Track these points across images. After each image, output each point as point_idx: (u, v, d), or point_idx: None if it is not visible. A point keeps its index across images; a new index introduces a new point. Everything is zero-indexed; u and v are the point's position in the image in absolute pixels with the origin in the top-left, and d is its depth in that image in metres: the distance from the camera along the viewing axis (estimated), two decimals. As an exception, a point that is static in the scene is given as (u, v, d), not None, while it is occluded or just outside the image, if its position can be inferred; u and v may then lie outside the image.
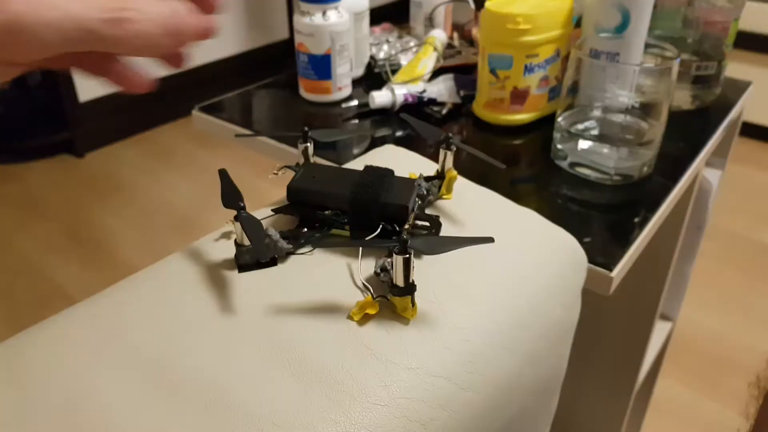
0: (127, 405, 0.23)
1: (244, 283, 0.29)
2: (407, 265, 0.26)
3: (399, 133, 0.58)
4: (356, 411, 0.24)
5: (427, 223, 0.33)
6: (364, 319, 0.27)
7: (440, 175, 0.36)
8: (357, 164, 0.40)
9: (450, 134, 0.35)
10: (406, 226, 0.31)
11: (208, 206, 1.81)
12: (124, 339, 0.26)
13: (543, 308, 0.32)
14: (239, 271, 0.30)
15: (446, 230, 0.33)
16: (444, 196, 0.36)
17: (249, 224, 0.28)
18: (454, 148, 0.35)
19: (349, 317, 0.27)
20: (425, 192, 0.34)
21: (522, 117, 0.58)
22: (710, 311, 1.42)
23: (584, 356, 0.74)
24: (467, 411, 0.27)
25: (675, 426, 1.17)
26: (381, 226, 0.31)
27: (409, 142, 0.57)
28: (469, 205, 0.36)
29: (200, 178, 1.97)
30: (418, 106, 0.62)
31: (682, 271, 0.84)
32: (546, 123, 0.58)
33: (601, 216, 0.47)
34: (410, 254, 0.26)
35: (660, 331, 0.92)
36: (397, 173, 0.33)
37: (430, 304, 0.28)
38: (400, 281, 0.27)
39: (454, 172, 0.36)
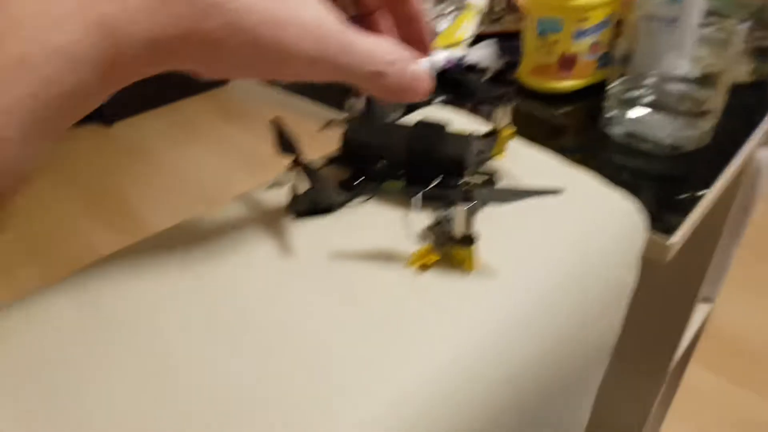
0: (196, 340, 0.23)
1: (300, 230, 0.29)
2: (469, 215, 0.25)
3: (438, 99, 0.57)
4: (418, 360, 0.23)
5: (479, 182, 0.32)
6: (423, 268, 0.27)
7: (494, 133, 0.34)
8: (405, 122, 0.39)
9: (509, 89, 0.33)
10: (463, 180, 0.30)
11: (233, 180, 1.82)
12: (188, 274, 0.26)
13: (600, 271, 0.31)
14: (295, 218, 0.29)
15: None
16: (497, 156, 0.35)
17: (309, 169, 0.28)
18: (512, 104, 0.34)
19: (408, 266, 0.27)
20: (479, 149, 0.33)
21: (570, 84, 0.56)
22: (745, 299, 1.38)
23: (620, 335, 0.73)
24: (523, 368, 0.26)
25: (703, 412, 1.16)
26: (440, 178, 0.30)
27: (453, 107, 0.55)
28: (523, 164, 0.35)
29: (225, 152, 1.99)
30: (458, 72, 0.60)
31: (725, 253, 0.81)
32: (594, 91, 0.56)
33: (655, 186, 0.45)
34: (474, 204, 0.25)
35: (698, 313, 0.90)
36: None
37: (489, 258, 0.28)
38: (460, 232, 0.26)
39: (510, 130, 0.34)
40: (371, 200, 0.31)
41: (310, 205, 0.29)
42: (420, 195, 0.29)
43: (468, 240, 0.26)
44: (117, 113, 2.13)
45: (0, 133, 0.16)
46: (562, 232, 0.31)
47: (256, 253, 0.27)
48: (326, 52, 0.21)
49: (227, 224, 0.29)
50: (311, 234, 0.28)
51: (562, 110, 0.55)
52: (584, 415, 0.39)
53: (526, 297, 0.27)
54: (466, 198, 0.25)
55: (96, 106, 0.19)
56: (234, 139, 2.04)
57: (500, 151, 0.35)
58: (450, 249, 0.27)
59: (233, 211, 0.30)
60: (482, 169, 0.34)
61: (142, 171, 1.91)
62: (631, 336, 0.73)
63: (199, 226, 0.29)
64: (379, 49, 0.23)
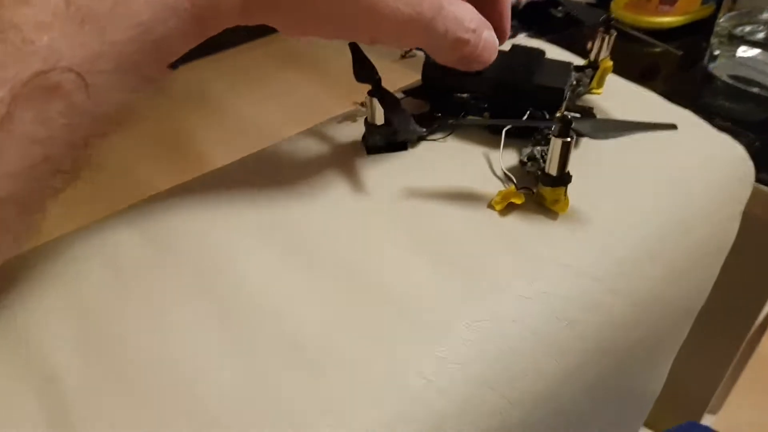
0: (264, 273, 0.22)
1: (374, 165, 0.27)
2: (566, 151, 0.23)
3: (522, 35, 0.53)
4: (500, 302, 0.21)
5: (578, 116, 0.29)
6: (507, 209, 0.25)
7: (593, 65, 0.31)
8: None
9: (611, 15, 0.30)
10: (558, 115, 0.27)
11: (292, 125, 1.82)
12: (257, 208, 0.25)
13: (701, 221, 0.28)
14: (368, 153, 0.28)
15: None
16: (594, 91, 0.31)
17: (388, 99, 0.26)
18: (615, 33, 0.30)
19: (490, 206, 0.25)
20: (575, 82, 0.30)
21: (671, 20, 0.51)
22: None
23: None
24: (610, 318, 0.24)
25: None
26: (529, 112, 0.27)
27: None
28: (622, 101, 0.32)
29: (286, 97, 1.98)
30: (545, 6, 0.56)
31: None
32: (696, 29, 0.50)
33: (762, 132, 0.41)
34: (572, 138, 0.23)
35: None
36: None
37: (582, 202, 0.25)
38: (554, 169, 0.23)
39: (610, 63, 0.31)
40: (451, 137, 0.29)
41: (386, 138, 0.27)
42: (505, 130, 0.27)
43: (561, 179, 0.23)
44: (181, 57, 2.15)
45: (89, 79, 0.16)
46: (662, 176, 0.28)
47: (327, 190, 0.26)
48: (421, 16, 0.20)
49: (296, 158, 0.28)
50: (385, 171, 0.27)
51: (659, 49, 0.50)
52: (659, 381, 0.37)
53: (622, 245, 0.25)
54: (563, 131, 0.22)
55: (183, 53, 0.19)
56: (295, 85, 2.03)
57: (599, 86, 0.31)
58: (540, 189, 0.24)
59: (303, 144, 0.29)
60: (578, 104, 0.31)
61: (204, 115, 1.94)
62: (710, 298, 0.68)
63: (267, 159, 0.28)
64: (466, 16, 0.22)
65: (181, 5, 0.17)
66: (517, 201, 0.24)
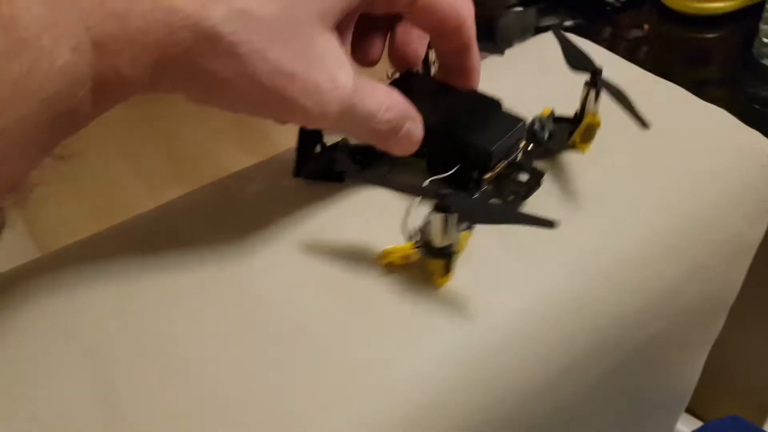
0: (190, 326, 0.22)
1: (306, 196, 0.26)
2: (444, 226, 0.21)
3: (568, 23, 0.47)
4: (486, 300, 0.22)
5: (525, 176, 0.26)
6: (389, 268, 0.23)
7: (577, 119, 0.27)
8: (514, 52, 0.34)
9: (600, 69, 0.26)
10: (488, 176, 0.25)
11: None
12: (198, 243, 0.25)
13: (720, 219, 0.28)
14: (294, 176, 0.27)
15: (561, 198, 0.26)
16: (578, 146, 0.28)
17: (304, 134, 0.26)
18: (602, 89, 0.26)
19: (377, 263, 0.23)
20: (547, 136, 0.27)
21: (721, 5, 0.46)
22: None
23: (755, 284, 0.63)
24: (610, 317, 0.24)
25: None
26: (458, 167, 0.25)
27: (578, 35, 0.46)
28: (642, 97, 0.28)
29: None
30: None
31: None
32: (748, 14, 0.45)
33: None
34: (450, 214, 0.21)
35: None
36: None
37: (589, 197, 0.25)
38: (435, 239, 0.22)
39: (598, 118, 0.27)
40: (391, 173, 0.27)
41: (321, 171, 0.26)
42: (427, 182, 0.25)
43: (440, 252, 0.22)
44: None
45: None
46: (675, 173, 0.27)
47: (253, 234, 0.25)
48: (328, 114, 0.21)
49: (226, 197, 0.27)
50: (304, 211, 0.26)
51: (708, 35, 0.45)
52: (690, 376, 0.36)
53: (625, 243, 0.24)
54: (444, 206, 0.21)
55: (88, 123, 0.19)
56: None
57: (584, 141, 0.28)
58: (426, 256, 0.22)
59: (238, 180, 0.28)
60: (546, 161, 0.27)
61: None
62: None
63: (197, 201, 0.27)
64: (380, 108, 0.22)
65: (85, 78, 0.17)
66: (399, 263, 0.23)
